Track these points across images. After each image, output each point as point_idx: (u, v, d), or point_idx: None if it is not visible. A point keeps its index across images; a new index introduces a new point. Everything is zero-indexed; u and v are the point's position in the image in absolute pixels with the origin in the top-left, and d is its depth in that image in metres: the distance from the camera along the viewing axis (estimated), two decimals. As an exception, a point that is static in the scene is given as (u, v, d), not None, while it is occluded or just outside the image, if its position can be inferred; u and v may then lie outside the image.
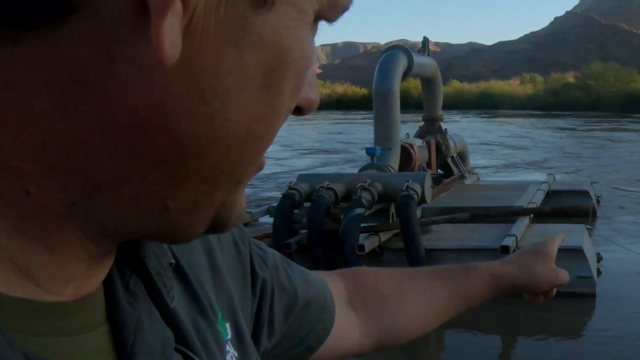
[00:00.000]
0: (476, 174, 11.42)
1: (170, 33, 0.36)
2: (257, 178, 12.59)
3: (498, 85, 57.07)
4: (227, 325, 0.63)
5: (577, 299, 5.77)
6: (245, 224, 7.68)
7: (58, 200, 0.40)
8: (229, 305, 0.66)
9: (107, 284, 0.48)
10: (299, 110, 0.49)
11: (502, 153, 19.66)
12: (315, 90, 0.51)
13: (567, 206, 9.02)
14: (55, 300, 0.43)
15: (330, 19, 0.46)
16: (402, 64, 8.63)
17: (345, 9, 0.47)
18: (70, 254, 0.43)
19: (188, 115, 0.39)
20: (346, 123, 37.13)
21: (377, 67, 8.54)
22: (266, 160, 0.48)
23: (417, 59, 9.14)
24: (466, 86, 57.46)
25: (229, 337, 0.63)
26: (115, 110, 0.38)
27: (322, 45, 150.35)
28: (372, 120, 8.61)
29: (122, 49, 0.37)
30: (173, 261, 0.57)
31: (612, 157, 17.84)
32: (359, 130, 27.05)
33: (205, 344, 0.57)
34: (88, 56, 0.36)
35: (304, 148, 22.73)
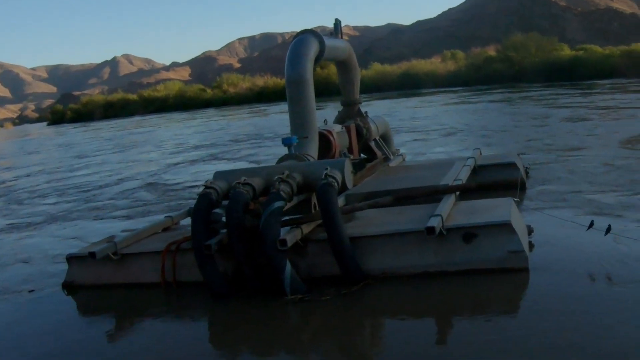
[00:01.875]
0: (401, 155, 11.29)
1: None
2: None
3: (420, 65, 57.26)
4: None
5: (510, 275, 5.64)
6: (166, 229, 7.39)
7: None
8: None
9: None
10: None
11: (426, 132, 19.62)
12: None
13: (494, 180, 8.91)
14: None
15: None
16: (313, 49, 8.37)
17: None
18: None
19: None
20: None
21: (287, 54, 8.25)
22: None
23: (329, 42, 8.89)
24: (388, 68, 57.53)
25: None
26: None
27: (240, 39, 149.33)
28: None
29: None
30: None
31: (539, 127, 17.93)
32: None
33: None
34: None
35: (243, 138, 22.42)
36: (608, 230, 6.07)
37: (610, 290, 5.13)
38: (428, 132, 19.39)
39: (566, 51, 48.60)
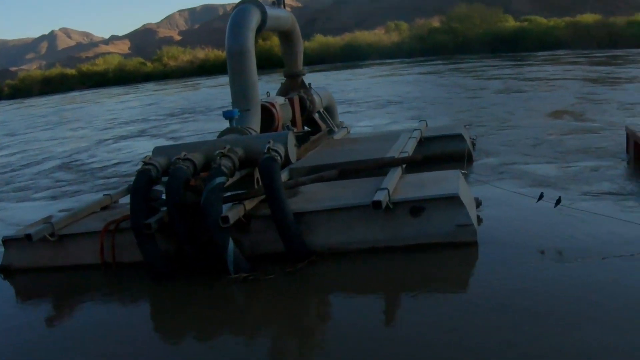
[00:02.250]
0: (346, 127, 11.13)
1: None
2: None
3: (363, 36, 56.92)
4: None
5: (458, 249, 5.56)
6: (105, 207, 7.11)
7: None
8: None
9: None
10: None
11: (357, 104, 19.43)
12: None
13: (441, 152, 8.83)
14: None
15: None
16: (254, 19, 8.12)
17: None
18: None
19: None
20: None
21: (228, 24, 7.99)
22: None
23: (272, 11, 8.64)
24: (331, 40, 57.12)
25: None
26: None
27: (180, 11, 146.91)
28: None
29: None
30: None
31: (484, 98, 17.94)
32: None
33: None
34: None
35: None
36: (558, 201, 6.03)
37: (561, 267, 5.06)
38: (359, 104, 19.18)
39: (511, 22, 48.77)
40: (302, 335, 4.62)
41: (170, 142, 14.57)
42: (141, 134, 18.20)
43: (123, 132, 19.16)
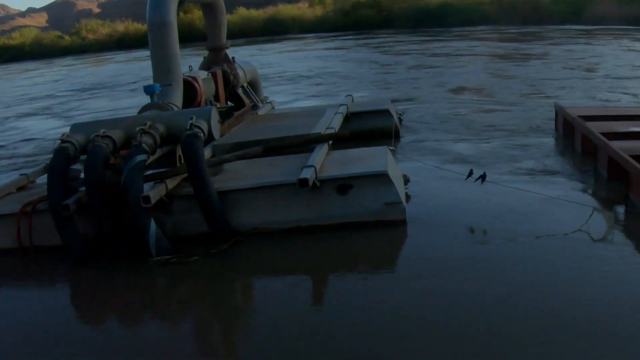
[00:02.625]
0: (270, 102, 10.95)
1: None
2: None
3: (287, 10, 56.55)
4: None
5: (387, 228, 5.48)
6: (21, 188, 6.78)
7: None
8: None
9: None
10: None
11: (293, 79, 19.27)
12: None
13: (368, 128, 8.76)
14: None
15: None
16: (176, -10, 7.84)
17: None
18: None
19: None
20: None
21: (148, -5, 7.70)
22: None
23: (193, -16, 8.39)
24: (253, 13, 56.53)
25: None
26: None
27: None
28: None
29: None
30: None
31: (408, 72, 17.96)
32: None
33: None
34: None
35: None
36: (483, 178, 6.02)
37: (492, 247, 5.04)
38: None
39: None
40: (227, 318, 4.50)
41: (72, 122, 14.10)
42: (44, 111, 17.58)
43: (27, 109, 18.45)
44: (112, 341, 4.19)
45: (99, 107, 16.83)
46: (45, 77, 30.74)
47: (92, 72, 30.76)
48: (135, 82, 21.45)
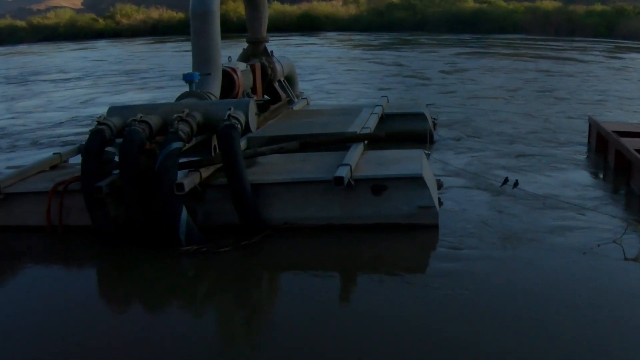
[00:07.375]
0: (305, 98, 10.93)
1: None
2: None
3: (321, 7, 56.52)
4: None
5: (418, 231, 5.42)
6: (54, 167, 6.78)
7: None
8: None
9: None
10: None
11: (330, 76, 19.22)
12: None
13: (403, 130, 8.69)
14: None
15: None
16: (221, -20, 7.82)
17: None
18: None
19: None
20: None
21: (193, -16, 7.68)
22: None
23: (237, -26, 8.35)
24: (288, 8, 56.53)
25: None
26: None
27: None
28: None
29: None
30: None
31: (444, 78, 17.85)
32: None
33: None
34: None
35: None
36: (515, 184, 5.99)
37: (525, 257, 4.96)
38: (335, 79, 18.93)
39: (470, 3, 48.86)
40: (252, 310, 4.49)
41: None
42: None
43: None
44: (133, 327, 4.17)
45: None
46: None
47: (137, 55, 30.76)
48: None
